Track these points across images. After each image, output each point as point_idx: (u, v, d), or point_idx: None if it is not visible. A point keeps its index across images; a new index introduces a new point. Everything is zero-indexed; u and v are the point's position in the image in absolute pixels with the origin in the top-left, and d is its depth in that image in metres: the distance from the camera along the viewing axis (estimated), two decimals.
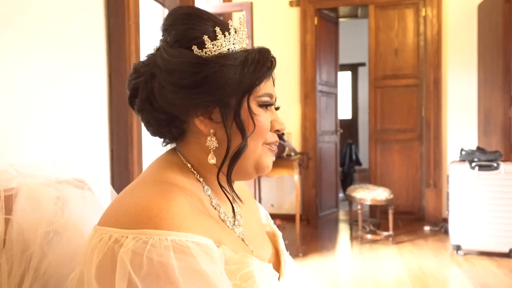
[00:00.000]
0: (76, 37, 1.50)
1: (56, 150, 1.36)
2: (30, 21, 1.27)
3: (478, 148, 3.30)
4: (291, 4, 4.33)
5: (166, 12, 2.63)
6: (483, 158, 3.13)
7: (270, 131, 0.71)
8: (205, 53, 0.65)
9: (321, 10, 4.39)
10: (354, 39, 6.71)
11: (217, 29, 0.66)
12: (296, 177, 3.33)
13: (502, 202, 3.05)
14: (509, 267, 2.91)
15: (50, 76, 1.36)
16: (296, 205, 3.32)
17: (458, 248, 3.20)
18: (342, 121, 6.04)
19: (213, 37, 0.65)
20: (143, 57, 0.72)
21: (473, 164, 3.11)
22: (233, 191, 0.70)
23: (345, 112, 7.43)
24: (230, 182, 0.68)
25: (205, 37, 0.65)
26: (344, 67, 6.97)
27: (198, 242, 0.56)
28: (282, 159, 3.43)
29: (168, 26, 0.68)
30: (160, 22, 2.59)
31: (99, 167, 1.65)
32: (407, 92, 4.24)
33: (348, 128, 7.11)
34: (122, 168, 1.71)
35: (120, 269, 0.52)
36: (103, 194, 0.96)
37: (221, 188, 0.68)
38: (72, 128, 1.48)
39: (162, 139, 0.73)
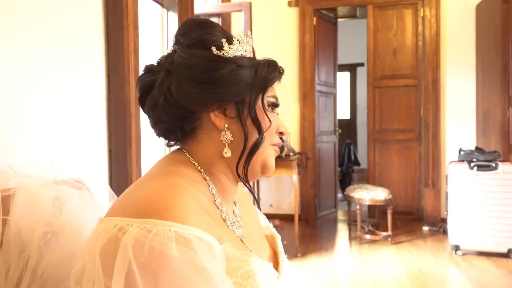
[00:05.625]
0: (74, 36, 1.50)
1: (54, 150, 1.36)
2: (27, 21, 1.27)
3: (477, 148, 3.30)
4: (289, 4, 4.33)
5: (165, 12, 2.71)
6: (482, 158, 3.14)
7: (275, 133, 0.75)
8: (223, 54, 0.70)
9: (320, 10, 4.39)
10: (352, 39, 6.71)
11: (232, 35, 0.73)
12: (295, 177, 3.32)
13: (501, 202, 3.05)
14: (508, 267, 2.91)
15: (48, 75, 1.36)
16: (295, 205, 3.31)
17: (457, 248, 3.20)
18: (340, 121, 6.04)
19: (230, 42, 0.72)
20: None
21: (472, 164, 3.12)
22: (249, 185, 0.75)
23: (343, 112, 7.43)
24: (246, 176, 0.71)
25: (223, 40, 0.71)
26: (343, 67, 6.97)
27: (200, 237, 0.56)
28: (280, 159, 3.41)
29: (186, 31, 0.73)
30: (159, 22, 2.66)
31: (97, 167, 1.64)
32: (405, 92, 4.24)
33: (347, 128, 7.11)
34: (121, 168, 1.71)
35: (121, 255, 0.53)
36: (101, 195, 0.95)
37: (241, 180, 0.72)
38: (70, 128, 1.47)
39: (167, 140, 0.75)
